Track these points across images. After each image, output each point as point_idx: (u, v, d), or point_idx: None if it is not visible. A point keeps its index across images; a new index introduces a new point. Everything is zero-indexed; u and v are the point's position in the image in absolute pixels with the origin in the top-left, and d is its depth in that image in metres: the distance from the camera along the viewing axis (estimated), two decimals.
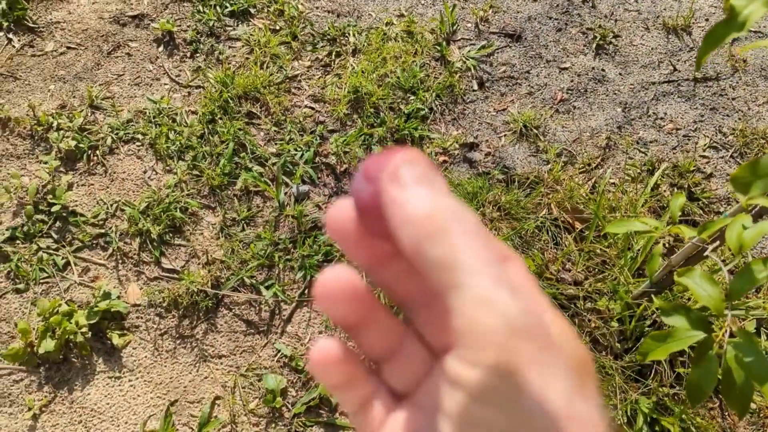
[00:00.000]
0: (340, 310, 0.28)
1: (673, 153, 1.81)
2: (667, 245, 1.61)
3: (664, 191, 1.71)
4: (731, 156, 1.80)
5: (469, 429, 0.22)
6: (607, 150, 1.81)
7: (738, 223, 0.71)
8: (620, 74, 1.97)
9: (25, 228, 1.58)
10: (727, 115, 1.88)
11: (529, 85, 1.95)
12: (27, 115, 1.76)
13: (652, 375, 1.44)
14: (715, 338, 0.69)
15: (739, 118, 1.87)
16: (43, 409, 1.39)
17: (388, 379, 0.29)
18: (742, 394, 0.65)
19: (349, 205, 0.27)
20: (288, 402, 1.43)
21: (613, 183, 1.74)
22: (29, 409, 1.38)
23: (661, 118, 1.88)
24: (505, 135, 1.84)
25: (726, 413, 1.49)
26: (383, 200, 0.25)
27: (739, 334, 0.68)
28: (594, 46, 2.03)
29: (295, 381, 1.45)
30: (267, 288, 1.56)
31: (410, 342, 0.29)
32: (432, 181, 0.24)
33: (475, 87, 1.94)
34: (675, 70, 1.98)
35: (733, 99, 1.91)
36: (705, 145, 1.82)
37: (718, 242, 1.00)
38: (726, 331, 0.70)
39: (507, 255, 0.25)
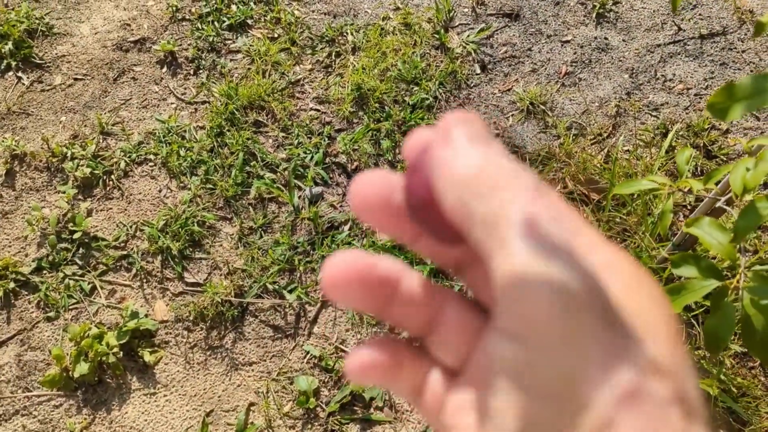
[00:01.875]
0: (356, 298, 0.26)
1: (686, 113, 1.77)
2: (689, 206, 1.58)
3: None
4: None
5: (525, 403, 0.20)
6: (618, 118, 1.78)
7: (741, 166, 0.69)
8: (624, 40, 1.94)
9: (50, 257, 1.62)
10: (738, 69, 1.84)
11: (532, 63, 1.93)
12: (42, 148, 1.80)
13: (687, 339, 1.41)
14: (730, 286, 0.68)
15: (751, 71, 1.83)
16: (84, 430, 1.42)
17: (435, 353, 0.27)
18: (763, 339, 0.63)
19: (376, 178, 0.25)
20: (322, 402, 1.44)
21: (627, 150, 1.71)
22: None
23: (670, 80, 1.84)
24: (512, 115, 1.83)
25: None
26: (431, 162, 0.23)
27: (754, 278, 0.66)
28: (594, 15, 2.01)
29: (326, 380, 1.46)
30: (290, 292, 1.56)
31: (451, 306, 0.27)
32: (486, 141, 0.22)
33: (478, 70, 1.93)
34: (679, 30, 1.94)
35: (743, 52, 1.86)
36: None
37: (731, 194, 0.98)
38: (741, 277, 0.68)
39: (562, 212, 0.22)
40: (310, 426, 1.42)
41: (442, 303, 0.27)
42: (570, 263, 0.20)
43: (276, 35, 2.04)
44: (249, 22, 2.09)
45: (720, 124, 1.73)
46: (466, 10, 2.08)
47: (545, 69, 1.91)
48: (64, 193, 1.70)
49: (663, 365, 0.20)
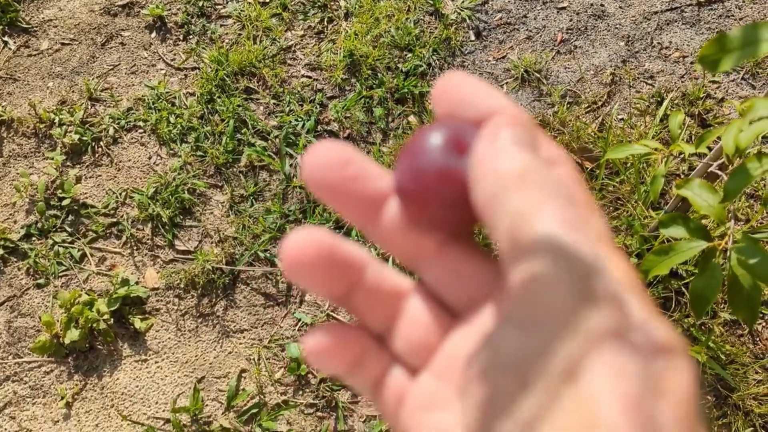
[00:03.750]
0: (317, 281, 0.24)
1: (682, 81, 1.75)
2: (682, 174, 1.57)
3: None
4: (742, 78, 1.74)
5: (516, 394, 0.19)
6: (613, 86, 1.76)
7: (734, 127, 0.69)
8: (620, 7, 1.91)
9: (39, 224, 1.60)
10: None
11: (527, 30, 1.90)
12: (29, 114, 1.77)
13: (676, 307, 1.41)
14: (718, 247, 0.67)
15: None
16: (75, 397, 1.42)
17: (396, 348, 0.26)
18: (749, 299, 0.63)
19: (333, 149, 0.24)
20: (313, 369, 1.44)
21: (622, 119, 1.70)
22: (62, 398, 1.41)
23: (667, 48, 1.82)
24: (506, 82, 1.81)
25: (757, 338, 1.46)
26: (471, 155, 0.22)
27: (742, 238, 0.66)
28: None
29: None
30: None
31: (415, 301, 0.26)
32: (536, 147, 0.22)
33: (472, 37, 1.90)
34: None
35: (741, 19, 1.84)
36: None
37: (724, 159, 0.97)
38: (729, 238, 0.67)
39: (590, 220, 0.21)
40: (301, 392, 1.42)
41: (407, 297, 0.26)
42: (590, 263, 0.20)
43: (267, 0, 2.01)
44: None
45: (715, 93, 1.71)
46: None
47: (540, 36, 1.89)
48: (52, 159, 1.68)
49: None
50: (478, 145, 0.22)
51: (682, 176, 1.57)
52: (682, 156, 1.52)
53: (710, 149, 1.02)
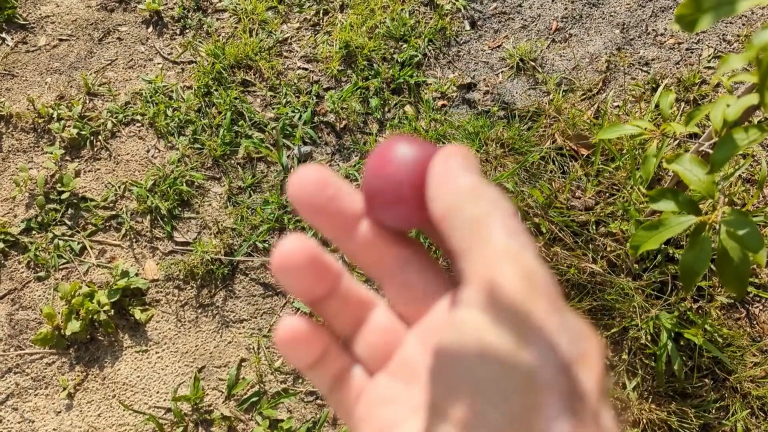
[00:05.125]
0: (301, 282, 0.27)
1: (677, 68, 1.76)
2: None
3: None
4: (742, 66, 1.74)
5: (459, 382, 0.22)
6: (608, 73, 1.77)
7: (722, 103, 0.69)
8: None
9: (39, 218, 1.61)
10: (730, 23, 1.82)
11: (522, 19, 1.91)
12: (27, 109, 1.78)
13: (672, 291, 1.42)
14: (708, 221, 0.68)
15: (743, 24, 1.81)
16: (77, 387, 1.43)
17: (357, 352, 0.29)
18: (738, 271, 0.64)
19: (314, 173, 0.27)
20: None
21: (617, 105, 1.70)
22: (64, 389, 1.42)
23: (662, 34, 1.82)
24: (502, 71, 1.81)
25: (754, 321, 1.47)
26: (428, 175, 0.26)
27: (731, 212, 0.66)
28: None
29: None
30: None
31: (378, 311, 0.29)
32: (479, 172, 0.26)
33: (468, 27, 1.91)
34: None
35: None
36: (709, 55, 1.77)
37: (717, 138, 0.97)
38: (719, 213, 0.68)
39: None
40: (301, 381, 1.43)
41: (372, 308, 0.29)
42: (536, 257, 0.23)
43: None
44: None
45: (710, 79, 1.72)
46: None
47: (536, 25, 1.89)
48: (51, 153, 1.69)
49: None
50: (434, 167, 0.26)
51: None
52: (677, 141, 1.53)
53: (704, 131, 1.02)
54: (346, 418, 0.29)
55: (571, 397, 0.21)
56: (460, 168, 0.25)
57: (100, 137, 1.74)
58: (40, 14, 2.00)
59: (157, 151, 1.73)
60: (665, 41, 1.81)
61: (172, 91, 1.81)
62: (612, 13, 1.88)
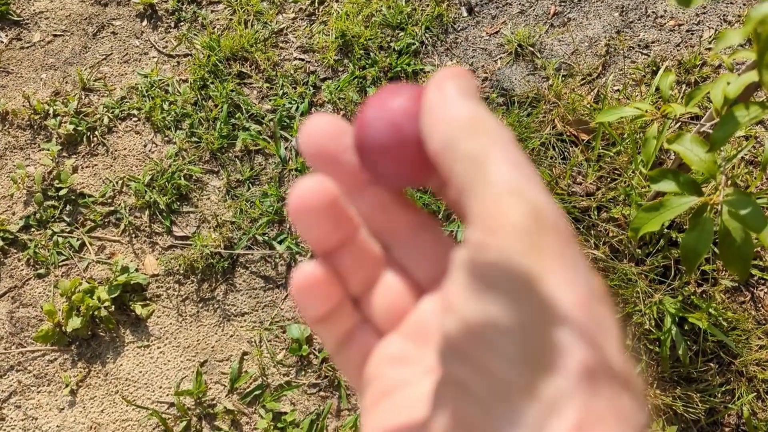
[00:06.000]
0: (319, 227, 0.26)
1: (677, 50, 1.74)
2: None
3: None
4: (739, 44, 1.73)
5: (470, 329, 0.20)
6: (608, 57, 1.75)
7: (722, 81, 0.68)
8: None
9: (38, 215, 1.61)
10: (731, 3, 1.79)
11: (520, 4, 1.89)
12: (23, 106, 1.77)
13: (676, 275, 1.41)
14: (710, 202, 0.67)
15: (744, 4, 1.78)
16: (80, 384, 1.43)
17: (368, 311, 0.28)
18: (741, 252, 0.63)
19: (327, 123, 0.26)
20: (314, 349, 1.45)
21: (617, 89, 1.68)
22: (66, 385, 1.42)
23: (662, 17, 1.80)
24: (500, 58, 1.79)
25: (759, 304, 1.45)
26: (422, 105, 0.24)
27: (734, 192, 0.65)
28: None
29: None
30: (280, 243, 1.56)
31: (392, 271, 0.28)
32: (476, 97, 0.24)
33: (465, 14, 1.89)
34: None
35: None
36: (710, 37, 1.74)
37: (718, 119, 0.96)
38: (721, 193, 0.67)
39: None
40: (303, 373, 1.43)
41: (385, 266, 0.28)
42: (543, 191, 0.22)
43: None
44: None
45: (712, 60, 1.70)
46: None
47: (533, 10, 1.87)
48: (48, 150, 1.68)
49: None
50: (428, 96, 0.24)
51: None
52: (679, 123, 1.51)
53: (705, 112, 1.01)
54: (353, 378, 0.28)
55: (589, 333, 0.20)
56: (455, 95, 0.23)
57: (96, 133, 1.73)
58: (34, 10, 1.98)
59: (154, 145, 1.71)
60: (665, 23, 1.79)
61: (168, 85, 1.80)
62: None
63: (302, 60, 1.83)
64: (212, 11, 1.95)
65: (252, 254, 1.55)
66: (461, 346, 0.20)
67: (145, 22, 1.94)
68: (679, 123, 1.48)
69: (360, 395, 0.27)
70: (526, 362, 0.19)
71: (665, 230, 1.43)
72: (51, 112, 1.74)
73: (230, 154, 1.69)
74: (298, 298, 0.27)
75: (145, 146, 1.71)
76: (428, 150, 0.24)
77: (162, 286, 1.53)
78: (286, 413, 1.37)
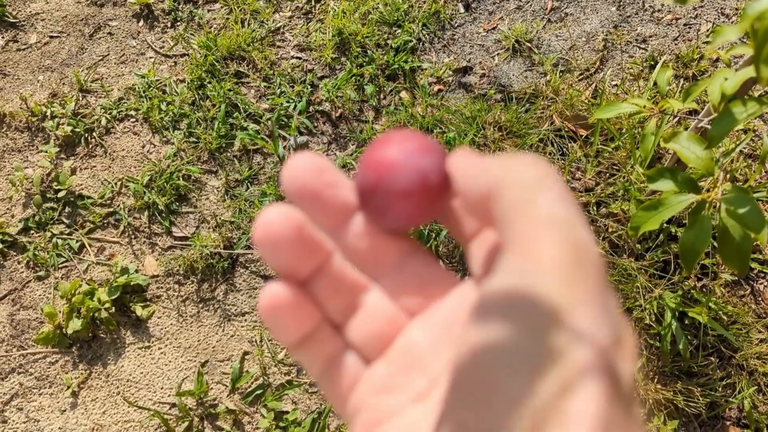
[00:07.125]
0: (287, 257, 0.25)
1: (675, 44, 1.73)
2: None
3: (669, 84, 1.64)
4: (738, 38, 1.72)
5: (482, 351, 0.20)
6: (605, 52, 1.74)
7: (719, 77, 0.68)
8: None
9: (37, 217, 1.61)
10: None
11: (516, 0, 1.88)
12: (20, 108, 1.77)
13: (675, 270, 1.41)
14: (708, 199, 0.66)
15: None
16: (81, 386, 1.43)
17: (351, 338, 0.27)
18: (740, 249, 0.63)
19: (309, 159, 0.26)
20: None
21: (615, 84, 1.68)
22: (68, 387, 1.42)
23: (659, 11, 1.80)
24: (498, 54, 1.79)
25: (759, 298, 1.45)
26: (455, 167, 0.25)
27: (732, 189, 0.65)
28: None
29: None
30: None
31: (373, 295, 0.27)
32: None
33: (462, 10, 1.88)
34: None
35: None
36: (708, 30, 1.74)
37: (715, 115, 0.96)
38: (719, 190, 0.67)
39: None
40: (304, 372, 1.43)
41: (366, 291, 0.27)
42: (587, 228, 0.22)
43: None
44: None
45: (710, 54, 1.70)
46: None
47: (530, 5, 1.86)
48: (46, 152, 1.68)
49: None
50: (458, 161, 0.25)
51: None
52: (677, 118, 1.51)
53: (703, 107, 1.01)
54: (338, 406, 0.27)
55: (608, 380, 0.19)
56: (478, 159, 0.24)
57: (94, 134, 1.73)
58: (30, 12, 1.98)
59: (152, 146, 1.71)
60: (662, 17, 1.78)
61: (165, 85, 1.80)
62: None
63: (299, 58, 1.83)
64: (209, 10, 1.94)
65: (252, 254, 1.55)
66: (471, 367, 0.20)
67: (141, 23, 1.94)
68: (678, 118, 1.48)
69: (348, 425, 0.27)
70: (532, 406, 0.19)
71: (664, 225, 1.43)
72: (48, 113, 1.74)
73: (228, 154, 1.68)
74: (268, 321, 0.26)
75: (143, 147, 1.71)
76: (463, 194, 0.25)
77: (162, 287, 1.53)
78: (287, 412, 1.37)
